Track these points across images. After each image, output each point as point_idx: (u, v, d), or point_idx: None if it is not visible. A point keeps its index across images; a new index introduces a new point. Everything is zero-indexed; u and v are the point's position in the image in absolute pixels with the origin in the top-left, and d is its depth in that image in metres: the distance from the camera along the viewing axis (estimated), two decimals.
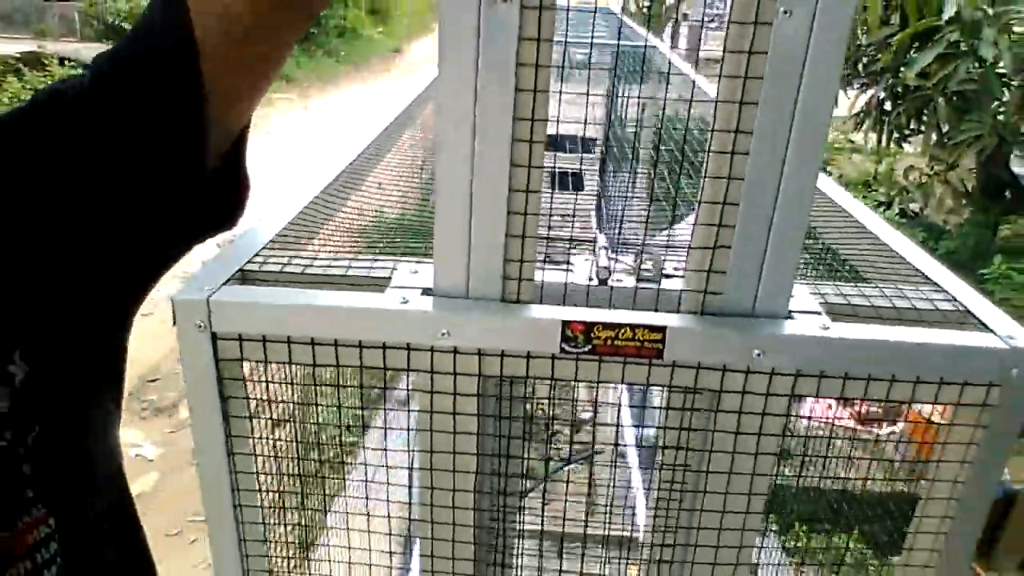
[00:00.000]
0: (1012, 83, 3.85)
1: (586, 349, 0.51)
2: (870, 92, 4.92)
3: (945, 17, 3.40)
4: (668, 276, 0.56)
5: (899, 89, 4.56)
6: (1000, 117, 4.00)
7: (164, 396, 4.06)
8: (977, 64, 3.65)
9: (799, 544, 3.09)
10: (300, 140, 9.29)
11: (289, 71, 13.20)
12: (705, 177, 0.51)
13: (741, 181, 0.49)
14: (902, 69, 4.31)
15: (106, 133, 0.55)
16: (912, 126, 4.83)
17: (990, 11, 3.42)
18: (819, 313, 0.54)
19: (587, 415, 2.96)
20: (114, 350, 0.64)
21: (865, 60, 4.70)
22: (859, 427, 3.62)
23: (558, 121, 0.53)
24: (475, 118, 0.48)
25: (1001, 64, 3.46)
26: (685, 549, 0.60)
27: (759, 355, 0.50)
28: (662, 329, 0.50)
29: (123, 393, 0.67)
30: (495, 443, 0.57)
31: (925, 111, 4.44)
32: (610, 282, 0.55)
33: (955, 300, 0.60)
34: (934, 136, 4.45)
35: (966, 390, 0.52)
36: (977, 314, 0.57)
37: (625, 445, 2.88)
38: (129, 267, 0.63)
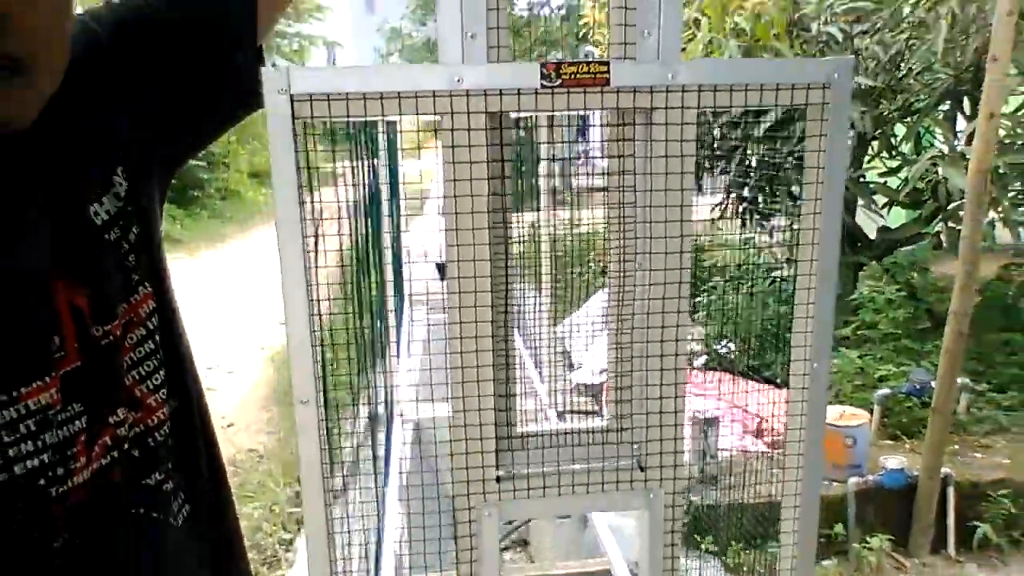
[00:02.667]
0: None
1: (558, 83, 0.73)
2: (723, 178, 5.56)
3: None
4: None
5: (748, 165, 5.20)
6: None
7: None
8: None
9: (739, 560, 3.23)
10: (196, 291, 9.23)
11: (174, 234, 13.22)
12: None
13: None
14: (752, 143, 4.93)
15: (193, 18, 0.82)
16: (765, 200, 5.46)
17: None
18: None
19: None
20: (164, 194, 0.87)
21: (713, 141, 5.34)
22: (771, 450, 3.88)
23: None
24: None
25: None
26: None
27: (672, 76, 0.74)
28: (607, 63, 0.73)
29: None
30: (498, 168, 0.77)
31: (774, 181, 5.05)
32: None
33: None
34: (788, 201, 5.04)
35: (806, 93, 0.77)
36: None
37: None
38: (190, 127, 0.85)
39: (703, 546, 3.26)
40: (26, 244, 0.68)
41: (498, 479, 0.83)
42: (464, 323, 0.78)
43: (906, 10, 4.16)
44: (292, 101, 0.70)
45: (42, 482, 0.67)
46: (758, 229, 5.89)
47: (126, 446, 0.74)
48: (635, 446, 0.87)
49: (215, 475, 0.86)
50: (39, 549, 0.68)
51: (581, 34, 6.06)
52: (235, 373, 6.16)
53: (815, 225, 0.83)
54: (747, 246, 6.39)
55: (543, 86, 0.73)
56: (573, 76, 0.73)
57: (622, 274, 0.90)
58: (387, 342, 3.97)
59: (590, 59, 0.73)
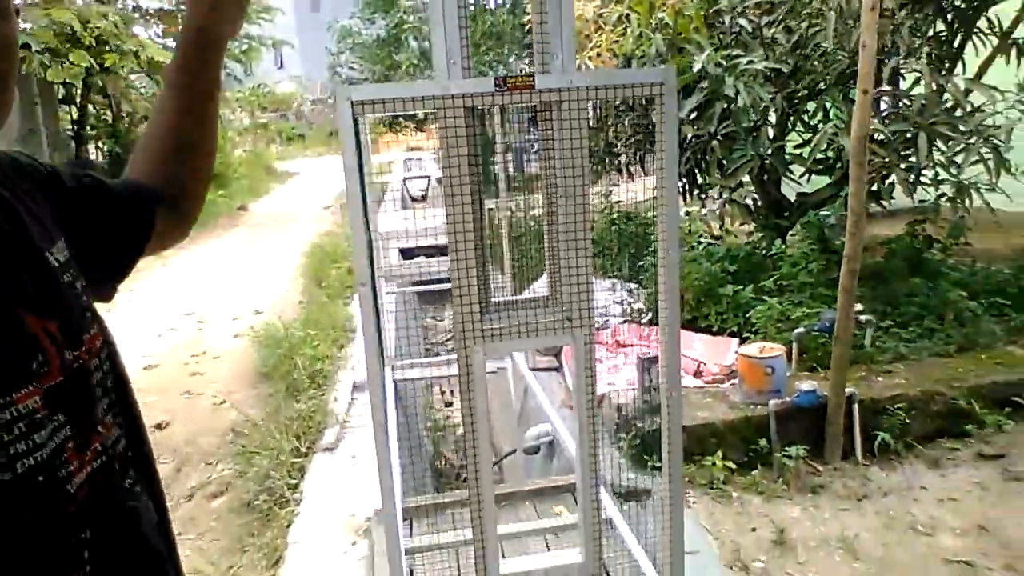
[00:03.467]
0: (754, 117, 5.13)
1: (504, 88, 1.27)
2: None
3: (695, 69, 4.60)
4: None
5: (683, 143, 5.78)
6: (758, 144, 5.25)
7: None
8: (727, 105, 4.87)
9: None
10: (170, 290, 9.57)
11: None
12: None
13: None
14: (682, 125, 5.50)
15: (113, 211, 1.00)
16: (699, 173, 6.06)
17: (724, 64, 4.66)
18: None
19: None
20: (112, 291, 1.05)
21: (651, 125, 5.92)
22: (703, 382, 4.49)
23: None
24: None
25: (741, 102, 4.68)
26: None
27: (570, 81, 1.28)
28: (532, 75, 1.27)
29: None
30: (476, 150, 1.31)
31: (706, 156, 5.64)
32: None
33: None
34: (717, 173, 5.65)
35: (651, 88, 1.32)
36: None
37: None
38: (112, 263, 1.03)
39: (649, 463, 3.84)
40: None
41: (483, 330, 1.37)
42: (457, 239, 1.31)
43: (805, 0, 4.78)
44: (352, 105, 1.23)
45: (41, 478, 0.74)
46: (698, 202, 6.51)
47: (110, 454, 0.83)
48: (564, 308, 1.41)
49: (156, 475, 0.98)
50: (62, 542, 0.76)
51: (525, 32, 6.60)
52: (220, 358, 6.59)
53: (664, 174, 1.38)
54: (686, 217, 7.00)
55: (496, 90, 1.27)
56: (513, 83, 1.27)
57: (549, 210, 1.43)
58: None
59: (523, 73, 1.26)
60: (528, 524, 3.16)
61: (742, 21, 4.88)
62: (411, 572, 2.78)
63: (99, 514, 0.80)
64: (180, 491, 4.41)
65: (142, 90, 17.43)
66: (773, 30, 4.92)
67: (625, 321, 5.62)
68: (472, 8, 10.78)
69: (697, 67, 4.56)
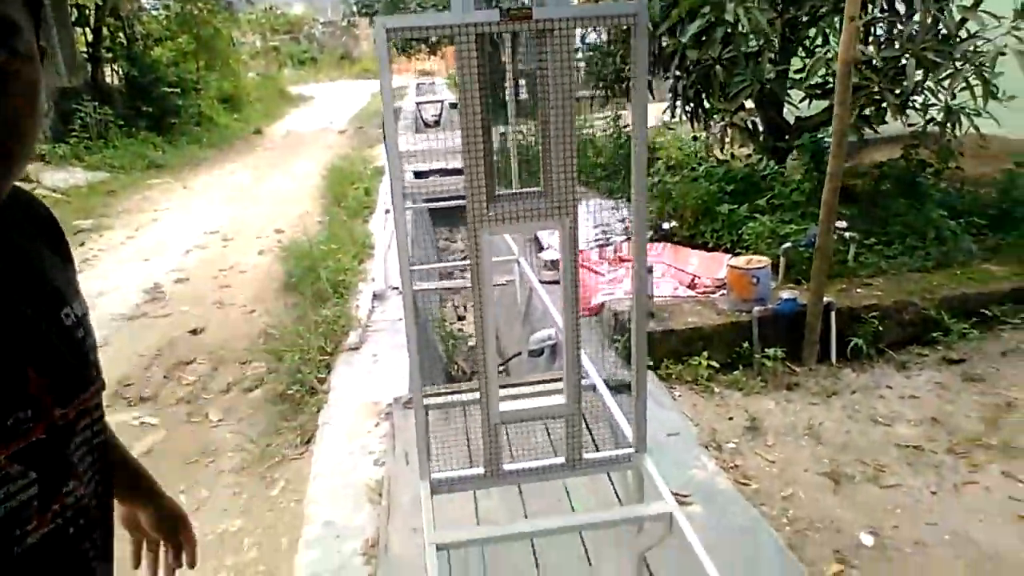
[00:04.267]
0: (755, 42, 5.35)
1: (507, 19, 1.60)
2: (677, 83, 6.36)
3: None
4: None
5: (689, 67, 5.99)
6: (759, 70, 5.48)
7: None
8: (728, 30, 5.08)
9: (669, 371, 4.24)
10: (194, 211, 9.97)
11: (157, 159, 13.74)
12: None
13: None
14: (687, 50, 5.71)
15: None
16: (703, 96, 6.28)
17: None
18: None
19: None
20: None
21: (657, 50, 6.12)
22: (696, 293, 4.87)
23: None
24: None
25: (741, 27, 4.90)
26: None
27: (560, 12, 1.61)
28: (531, 8, 1.60)
29: None
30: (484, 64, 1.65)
31: (710, 80, 5.86)
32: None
33: None
34: (720, 97, 5.88)
35: (627, 19, 1.64)
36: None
37: None
38: None
39: None
40: (10, 334, 0.76)
41: (488, 216, 1.73)
42: (470, 141, 1.66)
43: None
44: (387, 31, 1.57)
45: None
46: (701, 126, 6.75)
47: (70, 515, 0.81)
48: (554, 199, 1.77)
49: (111, 548, 0.94)
50: None
51: None
52: (247, 273, 7.03)
53: (635, 96, 1.71)
54: (694, 142, 7.24)
55: (501, 20, 1.60)
56: (515, 15, 1.60)
57: (543, 120, 1.77)
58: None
59: (523, 5, 1.59)
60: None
61: None
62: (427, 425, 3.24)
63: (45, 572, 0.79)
64: (218, 386, 4.89)
65: (153, 12, 17.46)
66: None
67: (628, 238, 5.98)
68: None
69: None
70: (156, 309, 6.43)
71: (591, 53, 8.02)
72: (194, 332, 5.82)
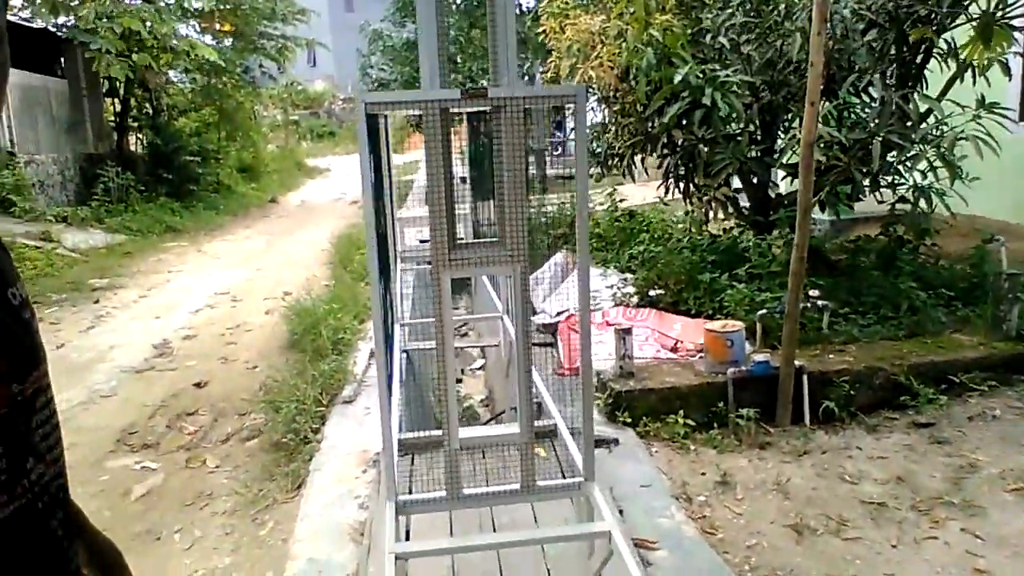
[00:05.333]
0: (735, 124, 5.73)
1: (467, 97, 1.91)
2: (666, 161, 6.74)
3: (677, 79, 5.20)
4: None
5: (675, 147, 6.37)
6: (738, 149, 5.84)
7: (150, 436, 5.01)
8: (708, 113, 5.47)
9: (648, 429, 4.44)
10: (206, 273, 10.36)
11: (174, 224, 14.27)
12: None
13: None
14: (672, 131, 6.10)
15: None
16: (688, 174, 6.63)
17: (704, 76, 5.27)
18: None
19: None
20: None
21: (647, 131, 6.52)
22: (676, 355, 5.09)
23: None
24: None
25: (719, 110, 5.29)
26: None
27: (513, 92, 1.92)
28: (486, 88, 1.92)
29: None
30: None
31: (694, 156, 6.23)
32: None
33: None
34: (703, 173, 6.23)
35: (571, 99, 1.95)
36: None
37: None
38: None
39: (620, 419, 4.46)
40: None
41: (450, 259, 2.01)
42: (435, 196, 1.95)
43: (778, 21, 5.37)
44: (366, 106, 1.88)
45: None
46: (690, 201, 7.09)
47: (37, 490, 0.81)
48: (507, 248, 2.04)
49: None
50: None
51: (541, 40, 7.27)
52: (253, 331, 7.31)
53: (577, 163, 2.01)
54: (685, 217, 7.58)
55: (461, 98, 1.91)
56: (472, 93, 1.91)
57: (500, 181, 2.07)
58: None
59: (480, 86, 1.90)
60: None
61: (722, 39, 5.49)
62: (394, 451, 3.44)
63: (17, 552, 0.78)
64: (217, 435, 5.11)
65: (179, 84, 18.35)
66: (749, 48, 5.51)
67: (616, 304, 6.24)
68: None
69: (678, 78, 5.17)
70: (164, 363, 6.70)
71: (588, 132, 8.49)
72: (198, 385, 6.07)
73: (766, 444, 4.41)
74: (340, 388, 5.28)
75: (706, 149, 5.96)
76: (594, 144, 7.38)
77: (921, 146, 5.05)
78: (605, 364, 4.82)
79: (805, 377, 4.62)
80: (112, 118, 16.22)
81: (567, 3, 6.62)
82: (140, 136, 16.77)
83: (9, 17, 12.59)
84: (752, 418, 4.44)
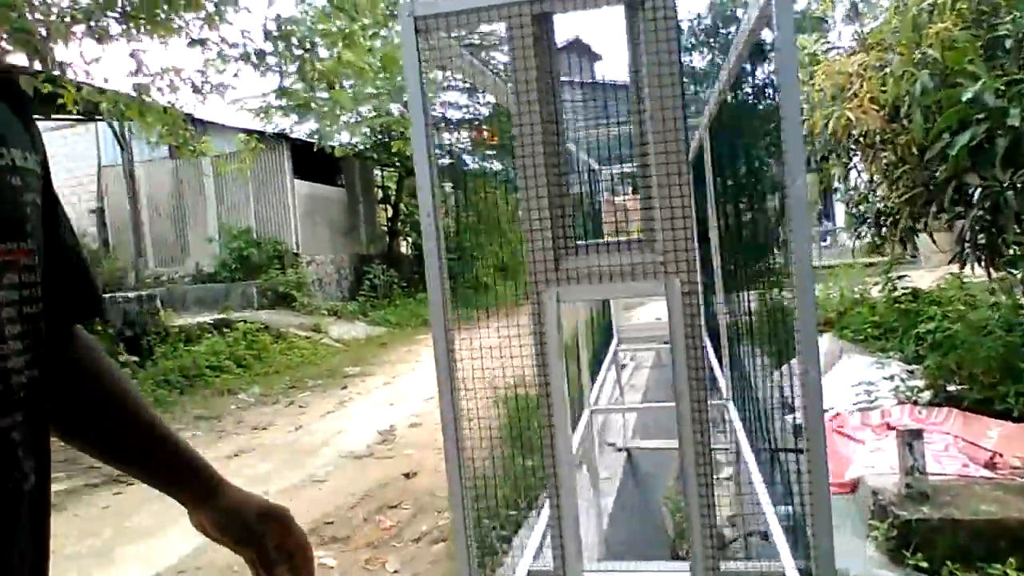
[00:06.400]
0: None
1: None
2: (959, 223, 5.24)
3: (965, 98, 3.90)
4: None
5: (971, 198, 4.89)
6: None
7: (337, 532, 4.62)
8: (1011, 141, 4.04)
9: None
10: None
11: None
12: None
13: None
14: (964, 174, 4.69)
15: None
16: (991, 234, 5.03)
17: (1006, 91, 3.92)
18: None
19: None
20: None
21: (930, 183, 5.14)
22: (994, 473, 3.61)
23: None
24: None
25: None
26: None
27: None
28: None
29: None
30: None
31: (999, 210, 4.69)
32: None
33: None
34: (1015, 230, 4.68)
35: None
36: None
37: None
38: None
39: (909, 561, 3.12)
40: None
41: (558, 270, 1.20)
42: (527, 168, 1.17)
43: None
44: (415, 20, 1.19)
45: None
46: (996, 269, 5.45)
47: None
48: (657, 251, 1.19)
49: (49, 470, 0.80)
50: None
51: None
52: (473, 420, 6.86)
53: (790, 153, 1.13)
54: (990, 296, 5.92)
55: None
56: None
57: (641, 141, 1.23)
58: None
59: None
60: None
61: None
62: None
63: None
64: (411, 534, 4.60)
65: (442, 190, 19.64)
66: None
67: (901, 403, 4.80)
68: None
69: (967, 96, 3.87)
70: (383, 450, 6.48)
71: (850, 193, 7.09)
72: (407, 476, 5.69)
73: None
74: (542, 488, 4.51)
75: (1015, 196, 4.46)
76: (861, 208, 6.09)
77: None
78: (887, 481, 3.52)
79: None
80: (384, 223, 17.68)
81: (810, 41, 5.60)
82: (408, 239, 18.06)
83: (299, 136, 14.51)
84: None
